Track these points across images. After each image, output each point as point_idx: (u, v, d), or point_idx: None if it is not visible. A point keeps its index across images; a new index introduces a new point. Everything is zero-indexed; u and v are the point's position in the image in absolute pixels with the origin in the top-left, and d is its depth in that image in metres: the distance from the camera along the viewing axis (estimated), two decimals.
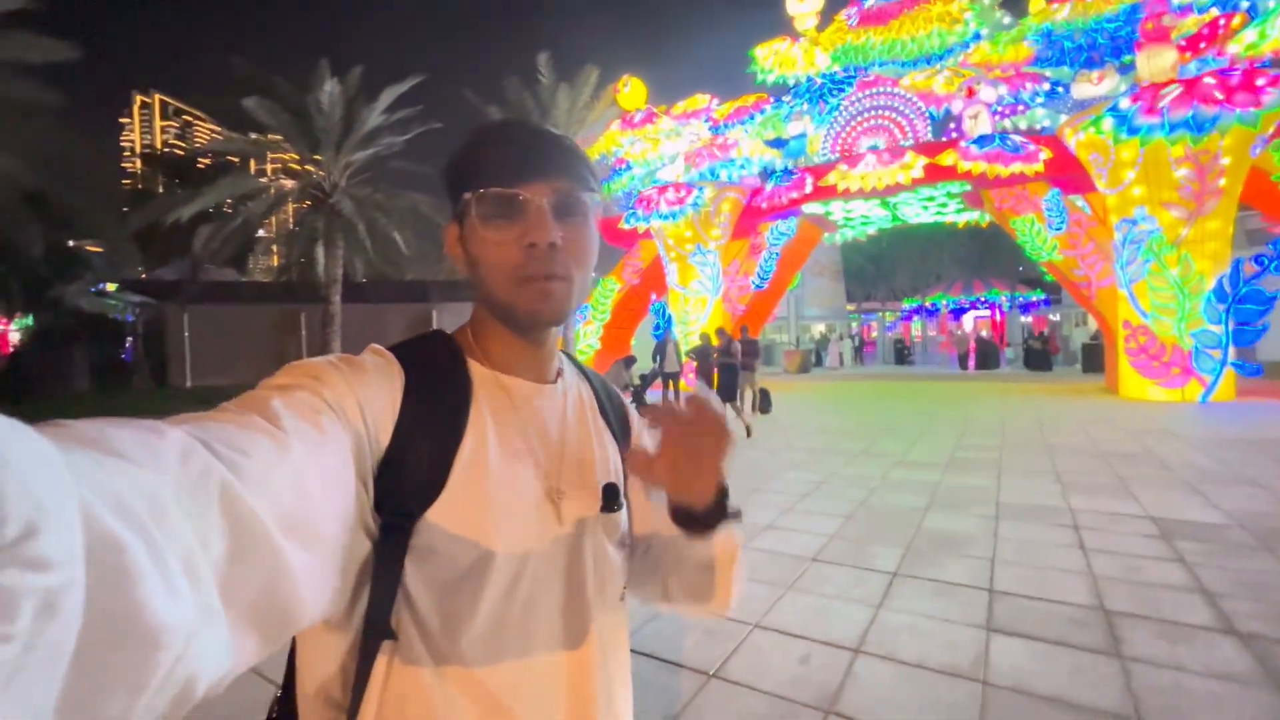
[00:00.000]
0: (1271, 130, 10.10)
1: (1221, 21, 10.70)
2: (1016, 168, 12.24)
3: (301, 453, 0.42)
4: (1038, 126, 13.14)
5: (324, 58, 13.14)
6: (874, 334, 37.38)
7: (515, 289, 0.58)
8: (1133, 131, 10.62)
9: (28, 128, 10.60)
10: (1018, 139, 12.42)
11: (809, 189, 14.27)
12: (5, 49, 10.05)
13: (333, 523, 0.45)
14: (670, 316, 16.40)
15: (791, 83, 15.87)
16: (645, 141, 16.52)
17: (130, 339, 21.73)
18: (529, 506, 0.58)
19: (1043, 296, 33.38)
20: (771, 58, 15.91)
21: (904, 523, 4.29)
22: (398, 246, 14.58)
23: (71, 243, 18.75)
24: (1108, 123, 10.92)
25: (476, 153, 0.59)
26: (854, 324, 37.57)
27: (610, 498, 0.64)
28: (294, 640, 0.57)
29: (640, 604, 0.74)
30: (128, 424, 0.33)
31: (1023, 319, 30.45)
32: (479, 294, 0.62)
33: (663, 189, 15.39)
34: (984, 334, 25.99)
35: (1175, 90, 10.28)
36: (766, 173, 15.59)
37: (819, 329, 32.24)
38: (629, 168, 16.88)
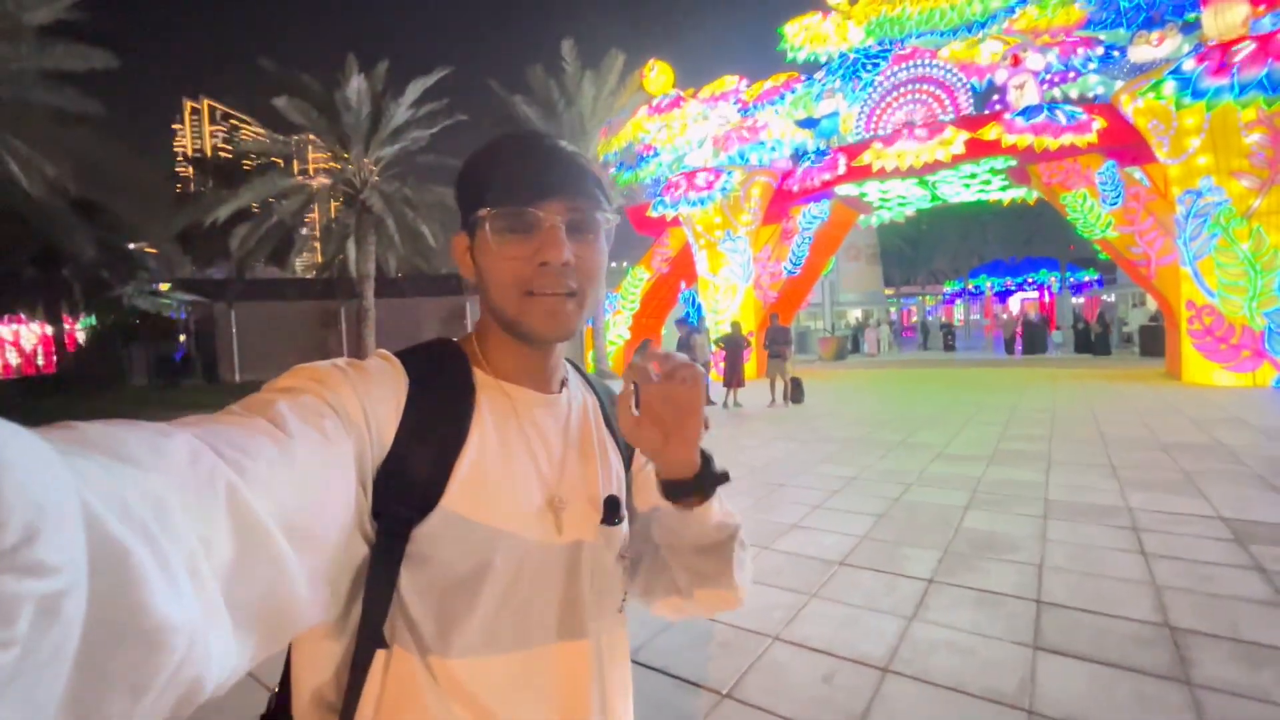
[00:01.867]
0: None
1: None
2: (1067, 139, 11.48)
3: (305, 456, 0.43)
4: (1091, 94, 12.29)
5: (351, 54, 13.25)
6: (914, 318, 36.18)
7: (523, 304, 0.58)
8: (1198, 95, 9.81)
9: (72, 136, 11.00)
10: (1068, 108, 11.65)
11: (842, 170, 13.74)
12: (46, 59, 10.43)
13: (333, 527, 0.45)
14: (700, 305, 16.12)
15: (823, 59, 15.26)
16: (673, 126, 16.18)
17: (183, 336, 22.71)
18: (528, 516, 0.58)
19: (1096, 276, 31.67)
20: (802, 34, 15.32)
21: (942, 522, 4.01)
22: (427, 240, 14.70)
23: (132, 246, 19.65)
24: (1169, 87, 10.11)
25: (491, 167, 0.59)
26: (892, 309, 36.45)
27: (611, 510, 0.64)
28: (289, 645, 0.58)
29: (653, 614, 0.74)
30: (135, 426, 0.33)
31: (1074, 300, 28.91)
32: (486, 305, 0.62)
33: (690, 174, 15.07)
34: (1032, 316, 24.67)
35: (1247, 48, 9.43)
36: (798, 154, 15.08)
37: (855, 315, 31.40)
38: (656, 154, 16.58)
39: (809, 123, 15.46)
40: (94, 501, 0.25)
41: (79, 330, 22.16)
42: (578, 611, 0.60)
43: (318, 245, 18.63)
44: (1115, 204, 12.07)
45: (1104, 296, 29.51)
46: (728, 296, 15.35)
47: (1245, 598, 2.77)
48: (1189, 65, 9.97)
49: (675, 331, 11.32)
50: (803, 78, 15.60)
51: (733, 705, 2.15)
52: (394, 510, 0.51)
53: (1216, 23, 10.00)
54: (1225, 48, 9.65)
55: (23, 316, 20.15)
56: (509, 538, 0.56)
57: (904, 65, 13.94)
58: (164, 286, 21.59)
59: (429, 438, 0.54)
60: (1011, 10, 13.50)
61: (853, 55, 14.73)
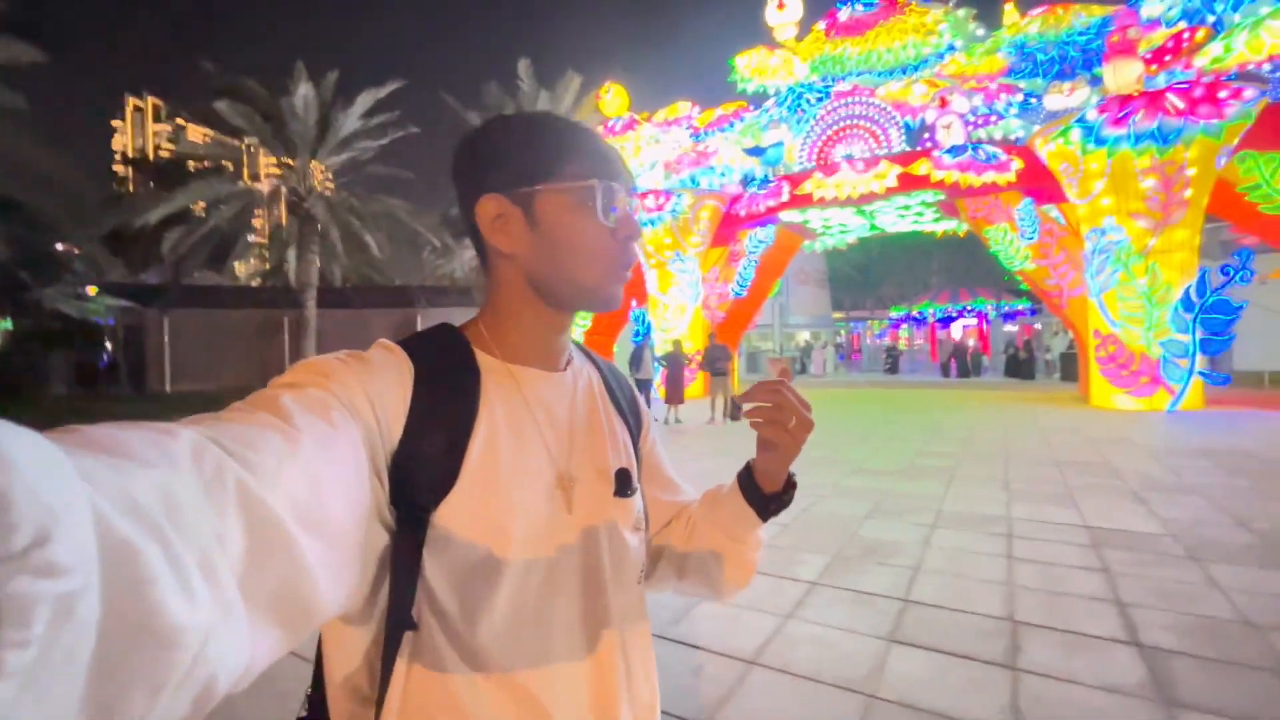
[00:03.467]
0: (1235, 142, 10.22)
1: (1186, 35, 10.84)
2: (989, 177, 12.33)
3: (314, 449, 0.43)
4: (1012, 137, 13.25)
5: (299, 61, 13.13)
6: (866, 341, 37.48)
7: (605, 273, 0.61)
8: (1100, 142, 10.73)
9: None
10: (990, 149, 12.53)
11: (786, 197, 14.33)
12: None
13: (348, 517, 0.45)
14: (650, 324, 16.39)
15: (771, 91, 15.97)
16: (627, 148, 16.56)
17: (110, 343, 21.55)
18: (541, 495, 0.59)
19: (1028, 305, 33.64)
20: (751, 66, 16.00)
21: (840, 531, 4.25)
22: (373, 251, 14.51)
23: (60, 247, 18.63)
24: (1076, 133, 11.02)
25: (569, 138, 0.61)
26: (842, 332, 37.72)
27: (623, 483, 0.65)
28: (321, 635, 0.59)
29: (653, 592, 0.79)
30: (139, 427, 0.33)
31: (1005, 327, 30.64)
32: (537, 276, 0.62)
33: (642, 195, 15.42)
34: (971, 343, 26.08)
35: (1141, 102, 10.40)
36: (746, 180, 15.66)
37: (804, 337, 32.33)
38: None
39: (756, 150, 16.10)
40: (103, 502, 0.26)
41: None
42: (599, 588, 0.61)
43: (266, 253, 18.12)
44: (1032, 239, 12.98)
45: (1034, 324, 31.32)
46: (677, 315, 15.67)
47: (1083, 595, 3.07)
48: (1092, 115, 10.89)
49: (627, 350, 11.49)
50: (751, 107, 16.28)
51: None
52: (410, 497, 0.52)
53: (1115, 78, 10.99)
54: (1122, 101, 10.61)
55: None
56: (523, 517, 0.57)
57: (844, 101, 14.73)
58: (92, 290, 20.55)
59: (438, 424, 0.55)
60: (941, 56, 14.49)
61: (798, 89, 15.48)
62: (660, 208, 14.97)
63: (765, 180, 15.07)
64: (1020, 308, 33.93)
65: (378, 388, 0.53)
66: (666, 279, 15.66)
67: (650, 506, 0.75)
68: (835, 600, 3.08)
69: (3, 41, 10.38)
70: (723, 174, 15.78)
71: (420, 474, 0.53)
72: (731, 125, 16.19)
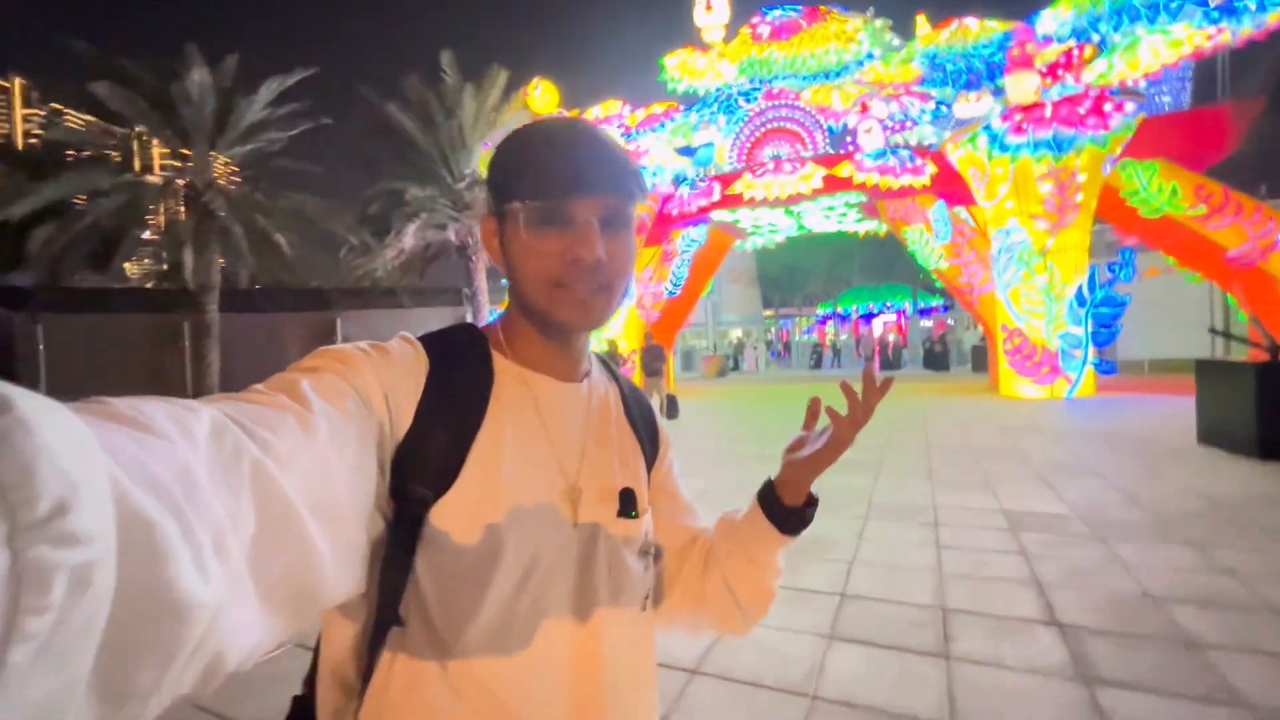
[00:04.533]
0: (1118, 151, 11.21)
1: (1075, 52, 11.78)
2: (906, 180, 12.96)
3: (328, 434, 0.43)
4: (926, 142, 14.00)
5: (193, 44, 12.01)
6: (795, 337, 38.79)
7: (551, 296, 0.58)
8: (1004, 149, 11.50)
9: None
10: (906, 153, 13.16)
11: (717, 196, 14.52)
12: None
13: (356, 504, 0.46)
14: None
15: (700, 92, 16.14)
16: None
17: None
18: (541, 505, 0.58)
19: (942, 302, 35.86)
20: (680, 67, 16.12)
21: None
22: (283, 250, 13.50)
23: None
24: (982, 140, 11.76)
25: (524, 155, 0.58)
26: (772, 329, 38.86)
27: (627, 503, 0.63)
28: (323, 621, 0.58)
29: (665, 624, 0.76)
30: (163, 401, 0.34)
31: (923, 323, 32.54)
32: (514, 293, 0.62)
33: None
34: (891, 337, 27.56)
35: (1038, 112, 11.22)
36: (678, 180, 15.75)
37: (736, 334, 33.08)
38: None
39: (687, 150, 16.21)
40: (123, 475, 0.26)
41: None
42: (591, 604, 0.59)
43: (161, 252, 16.52)
44: (945, 239, 13.75)
45: (948, 320, 33.44)
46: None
47: (1005, 578, 3.19)
48: (996, 123, 11.66)
49: None
50: (681, 107, 16.39)
51: None
52: (410, 491, 0.52)
53: (1015, 89, 11.81)
54: (1022, 111, 11.41)
55: None
56: (520, 526, 0.55)
57: (771, 104, 15.09)
58: None
59: (445, 422, 0.55)
60: (861, 63, 15.10)
61: (726, 91, 15.72)
62: None
63: (697, 180, 15.21)
64: (935, 304, 36.17)
65: (393, 379, 0.53)
66: None
67: (665, 531, 0.74)
68: (776, 600, 3.05)
69: None
70: (655, 173, 15.79)
71: (421, 469, 0.52)
72: (663, 125, 16.23)
